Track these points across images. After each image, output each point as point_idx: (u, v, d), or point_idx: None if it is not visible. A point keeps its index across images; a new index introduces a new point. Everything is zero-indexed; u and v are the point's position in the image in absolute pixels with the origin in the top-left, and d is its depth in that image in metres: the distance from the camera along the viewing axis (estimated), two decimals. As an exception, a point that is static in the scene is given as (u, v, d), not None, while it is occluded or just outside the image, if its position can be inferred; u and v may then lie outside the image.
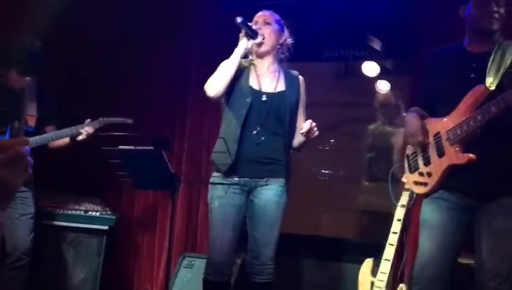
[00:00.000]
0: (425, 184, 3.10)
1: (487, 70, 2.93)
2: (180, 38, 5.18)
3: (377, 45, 5.39)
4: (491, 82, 2.90)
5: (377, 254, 3.90)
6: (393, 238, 3.71)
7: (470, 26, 3.10)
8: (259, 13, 3.62)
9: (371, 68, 5.55)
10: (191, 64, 5.14)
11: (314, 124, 3.33)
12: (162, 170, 3.19)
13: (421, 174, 3.14)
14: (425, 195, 3.13)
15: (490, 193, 2.94)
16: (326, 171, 5.89)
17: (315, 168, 5.87)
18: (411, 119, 3.19)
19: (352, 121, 5.69)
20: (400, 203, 3.78)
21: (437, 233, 3.03)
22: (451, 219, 3.01)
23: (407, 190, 3.73)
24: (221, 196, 3.44)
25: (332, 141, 5.56)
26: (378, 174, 5.08)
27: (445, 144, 3.00)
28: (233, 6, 4.57)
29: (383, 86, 5.71)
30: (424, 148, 3.12)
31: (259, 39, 3.48)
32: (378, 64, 5.33)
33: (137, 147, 3.23)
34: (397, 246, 3.74)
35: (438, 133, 3.06)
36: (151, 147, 3.20)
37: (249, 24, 3.46)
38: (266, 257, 3.45)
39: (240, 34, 3.48)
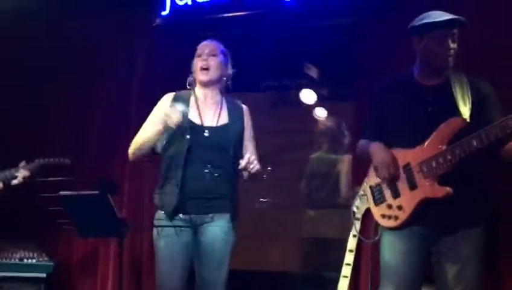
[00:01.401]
0: (395, 217, 2.98)
1: (458, 102, 2.89)
2: (121, 60, 4.99)
3: (313, 72, 5.40)
4: (463, 114, 2.87)
5: (327, 286, 3.83)
6: (347, 270, 3.65)
7: (424, 61, 3.04)
8: (205, 43, 3.50)
9: (308, 96, 5.56)
10: (131, 93, 4.93)
11: (253, 157, 3.23)
12: (109, 215, 3.01)
13: (389, 206, 3.02)
14: (395, 229, 3.00)
15: (451, 225, 2.90)
16: (268, 200, 5.84)
17: (256, 198, 5.81)
18: (378, 149, 3.07)
19: (292, 149, 5.66)
20: (351, 233, 3.72)
21: (402, 260, 2.95)
22: (414, 245, 2.95)
23: (358, 219, 3.68)
24: (167, 234, 3.29)
25: (269, 169, 5.50)
26: (323, 201, 5.05)
27: (418, 176, 2.93)
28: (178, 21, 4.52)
29: (321, 113, 5.73)
30: (391, 180, 3.02)
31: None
32: (319, 92, 5.33)
33: (80, 192, 3.04)
34: (351, 277, 3.68)
35: (408, 164, 2.97)
36: (96, 192, 3.01)
37: None
38: (215, 296, 3.32)
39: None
